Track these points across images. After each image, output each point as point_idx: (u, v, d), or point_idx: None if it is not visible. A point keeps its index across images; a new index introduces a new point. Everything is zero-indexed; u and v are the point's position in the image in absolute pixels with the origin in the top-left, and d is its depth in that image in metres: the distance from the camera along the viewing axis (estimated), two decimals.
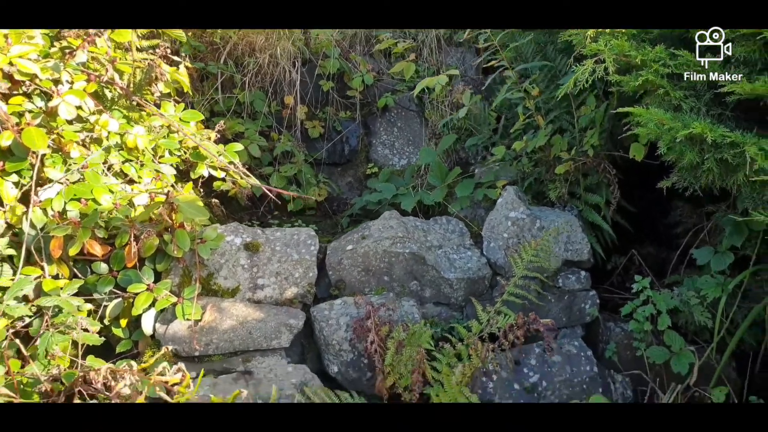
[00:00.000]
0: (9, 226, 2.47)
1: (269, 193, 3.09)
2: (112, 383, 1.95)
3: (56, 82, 2.64)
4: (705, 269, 3.02)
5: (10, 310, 2.12)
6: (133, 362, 2.16)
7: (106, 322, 2.62)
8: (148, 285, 2.58)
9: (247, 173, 3.18)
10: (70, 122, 2.66)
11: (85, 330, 2.40)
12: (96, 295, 2.58)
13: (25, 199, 2.52)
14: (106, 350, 2.56)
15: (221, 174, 3.29)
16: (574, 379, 2.81)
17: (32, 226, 2.44)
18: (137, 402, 2.06)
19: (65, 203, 2.49)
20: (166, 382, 2.05)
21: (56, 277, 2.52)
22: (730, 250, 2.90)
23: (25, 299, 2.38)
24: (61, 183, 2.54)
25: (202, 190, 3.43)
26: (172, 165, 3.01)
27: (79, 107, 2.62)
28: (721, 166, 2.36)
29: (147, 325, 2.61)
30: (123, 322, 2.64)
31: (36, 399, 2.14)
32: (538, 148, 3.26)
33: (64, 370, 2.10)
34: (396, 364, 2.57)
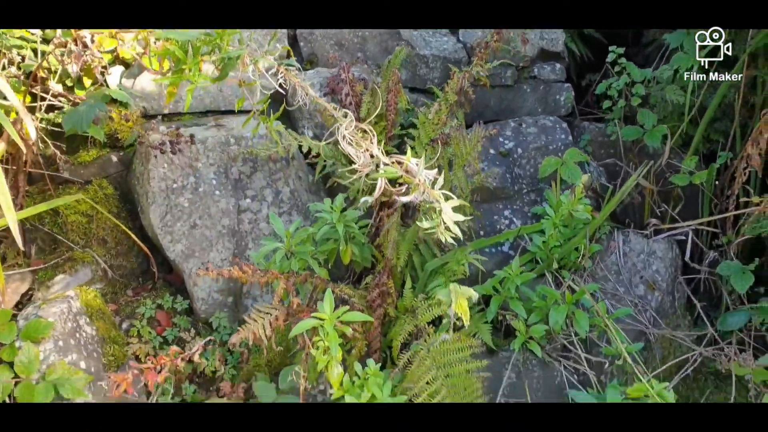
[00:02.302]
0: None
1: None
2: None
3: None
4: None
5: None
6: None
7: (68, 83, 2.52)
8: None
9: None
10: None
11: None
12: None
13: None
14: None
15: None
16: (549, 146, 2.81)
17: None
18: None
19: None
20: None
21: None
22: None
23: None
24: None
25: None
26: None
27: None
28: None
29: (112, 80, 2.52)
30: (86, 82, 2.54)
31: None
32: None
33: None
34: (370, 104, 2.52)
